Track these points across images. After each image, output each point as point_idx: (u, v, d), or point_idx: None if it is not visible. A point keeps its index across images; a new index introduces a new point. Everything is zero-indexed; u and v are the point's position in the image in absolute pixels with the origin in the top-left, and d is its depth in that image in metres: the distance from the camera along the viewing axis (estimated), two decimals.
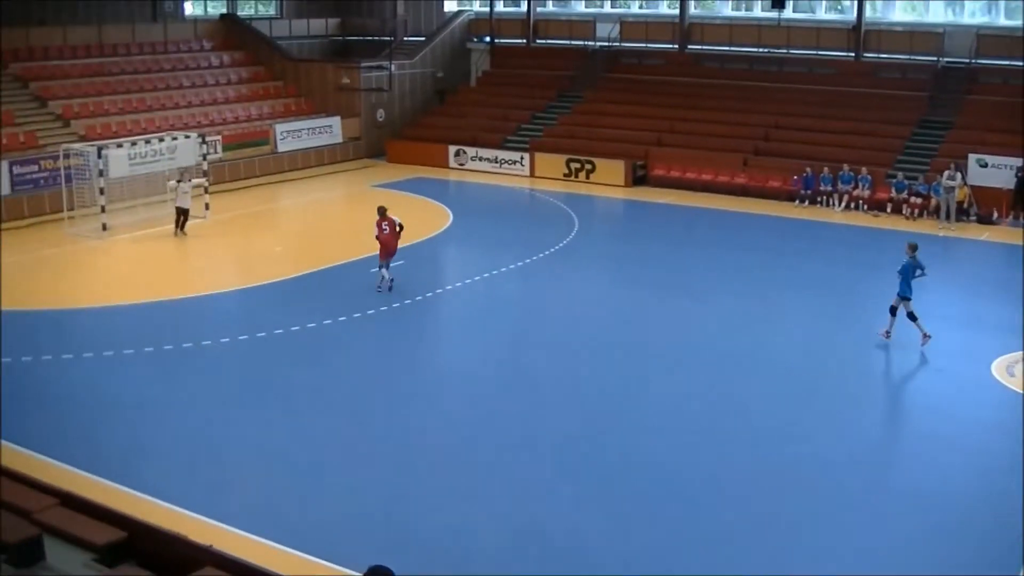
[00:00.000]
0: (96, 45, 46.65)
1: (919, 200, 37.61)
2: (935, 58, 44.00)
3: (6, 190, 35.92)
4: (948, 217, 36.47)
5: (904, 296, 23.79)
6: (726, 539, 15.44)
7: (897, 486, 17.41)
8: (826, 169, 39.68)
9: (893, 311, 23.94)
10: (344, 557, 14.23)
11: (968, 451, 18.74)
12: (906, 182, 38.12)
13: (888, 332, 24.01)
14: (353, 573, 13.51)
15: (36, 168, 37.07)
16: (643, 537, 15.53)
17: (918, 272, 23.88)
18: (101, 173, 33.48)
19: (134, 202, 35.46)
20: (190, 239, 33.47)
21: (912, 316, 23.74)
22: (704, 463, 18.03)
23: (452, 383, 22.47)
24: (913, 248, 24.04)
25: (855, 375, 22.73)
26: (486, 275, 30.05)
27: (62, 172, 35.22)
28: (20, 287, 28.61)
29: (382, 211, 27.66)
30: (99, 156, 33.55)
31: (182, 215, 33.56)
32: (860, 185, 38.80)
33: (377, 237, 27.51)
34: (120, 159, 35.49)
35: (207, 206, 36.09)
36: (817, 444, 18.91)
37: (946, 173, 36.78)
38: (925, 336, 23.49)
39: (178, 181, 33.54)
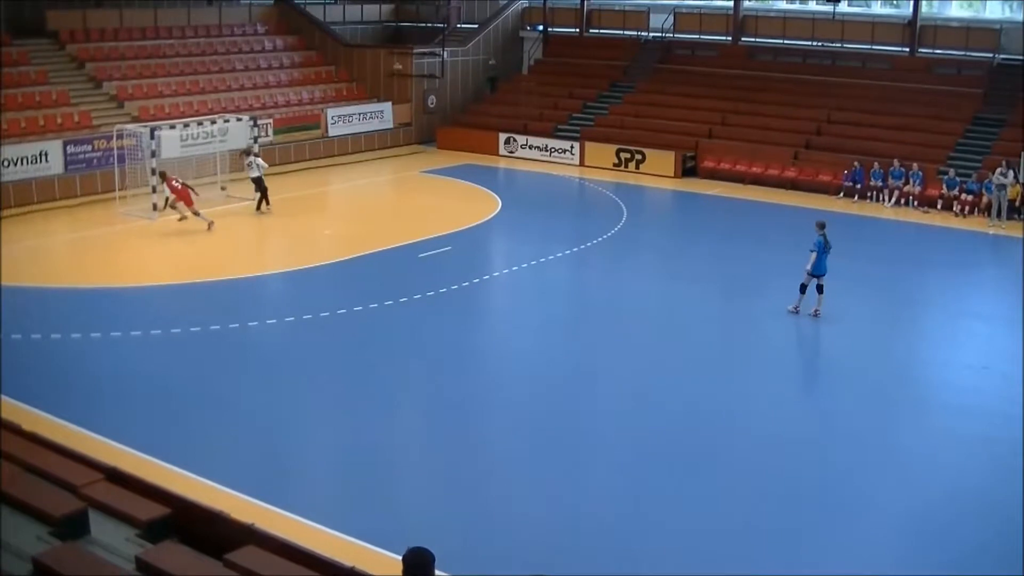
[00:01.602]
0: (151, 28, 46.96)
1: (970, 197, 37.28)
2: (991, 55, 43.57)
3: (60, 169, 36.26)
4: (999, 215, 36.11)
5: (817, 274, 24.91)
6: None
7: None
8: (876, 164, 39.41)
9: (803, 288, 25.13)
10: (385, 538, 14.29)
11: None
12: (958, 179, 37.79)
13: (797, 307, 25.31)
14: (393, 555, 13.57)
15: (90, 148, 37.38)
16: (690, 529, 15.57)
17: (829, 249, 24.90)
18: (153, 154, 33.74)
19: (184, 183, 35.68)
20: (241, 221, 33.69)
21: (819, 288, 25.07)
22: (747, 461, 18.06)
23: (497, 369, 22.55)
24: (821, 226, 25.10)
25: (885, 375, 22.50)
26: (533, 263, 30.07)
27: (115, 152, 35.48)
28: (71, 265, 28.97)
29: (164, 175, 32.53)
30: (151, 137, 33.79)
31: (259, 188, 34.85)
32: (911, 181, 38.51)
33: (176, 192, 32.09)
34: (172, 140, 35.73)
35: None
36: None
37: (998, 171, 36.43)
38: (817, 311, 25.05)
39: (254, 156, 34.65)
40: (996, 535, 15.30)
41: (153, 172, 33.21)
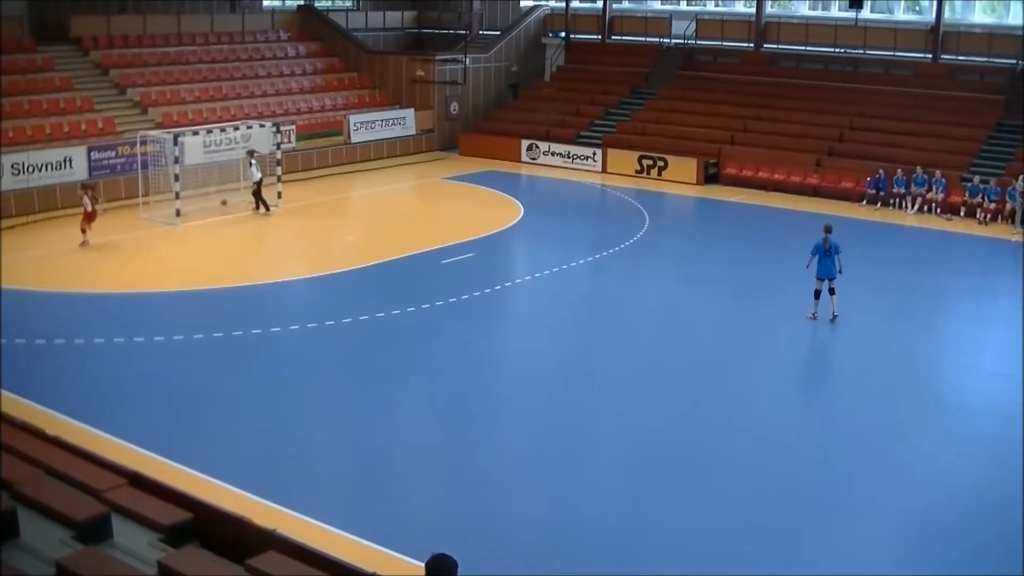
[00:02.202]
0: (175, 34, 47.18)
1: (993, 204, 37.12)
2: (1014, 61, 43.41)
3: (84, 175, 36.42)
4: (1022, 222, 35.95)
5: (821, 277, 25.21)
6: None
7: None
8: (899, 171, 39.28)
9: (817, 294, 25.37)
10: (406, 545, 14.32)
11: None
12: (980, 186, 37.63)
13: (815, 314, 25.45)
14: (415, 562, 13.60)
15: (113, 154, 37.58)
16: (702, 533, 15.55)
17: (829, 252, 25.20)
18: (176, 160, 33.85)
19: (208, 189, 35.86)
20: (263, 228, 33.79)
21: (831, 291, 25.30)
22: (761, 466, 18.05)
23: (517, 376, 22.54)
24: (827, 229, 25.52)
25: (892, 379, 22.40)
26: (555, 269, 30.10)
27: (138, 158, 35.63)
28: (94, 270, 29.06)
29: (90, 188, 31.42)
30: (175, 143, 33.91)
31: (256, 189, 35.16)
32: (934, 188, 38.38)
33: (86, 210, 30.74)
34: (195, 146, 35.88)
35: (279, 195, 36.44)
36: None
37: (1020, 177, 36.29)
38: (833, 315, 25.23)
39: (252, 163, 35.02)
40: (996, 535, 15.33)
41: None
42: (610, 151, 45.94)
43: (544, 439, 18.94)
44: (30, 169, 34.79)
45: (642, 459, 18.19)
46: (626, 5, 56.09)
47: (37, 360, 21.25)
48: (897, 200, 39.19)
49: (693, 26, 51.49)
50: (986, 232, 35.85)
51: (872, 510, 16.16)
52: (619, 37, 54.45)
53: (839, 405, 20.89)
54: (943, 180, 38.31)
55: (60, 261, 29.61)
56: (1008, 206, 36.68)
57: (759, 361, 23.48)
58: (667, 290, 29.54)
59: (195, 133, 35.93)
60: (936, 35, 45.07)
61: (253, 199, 35.33)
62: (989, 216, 36.98)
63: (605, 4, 54.15)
